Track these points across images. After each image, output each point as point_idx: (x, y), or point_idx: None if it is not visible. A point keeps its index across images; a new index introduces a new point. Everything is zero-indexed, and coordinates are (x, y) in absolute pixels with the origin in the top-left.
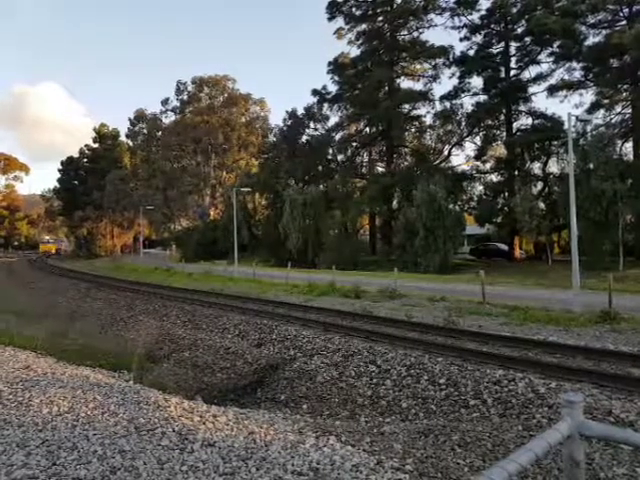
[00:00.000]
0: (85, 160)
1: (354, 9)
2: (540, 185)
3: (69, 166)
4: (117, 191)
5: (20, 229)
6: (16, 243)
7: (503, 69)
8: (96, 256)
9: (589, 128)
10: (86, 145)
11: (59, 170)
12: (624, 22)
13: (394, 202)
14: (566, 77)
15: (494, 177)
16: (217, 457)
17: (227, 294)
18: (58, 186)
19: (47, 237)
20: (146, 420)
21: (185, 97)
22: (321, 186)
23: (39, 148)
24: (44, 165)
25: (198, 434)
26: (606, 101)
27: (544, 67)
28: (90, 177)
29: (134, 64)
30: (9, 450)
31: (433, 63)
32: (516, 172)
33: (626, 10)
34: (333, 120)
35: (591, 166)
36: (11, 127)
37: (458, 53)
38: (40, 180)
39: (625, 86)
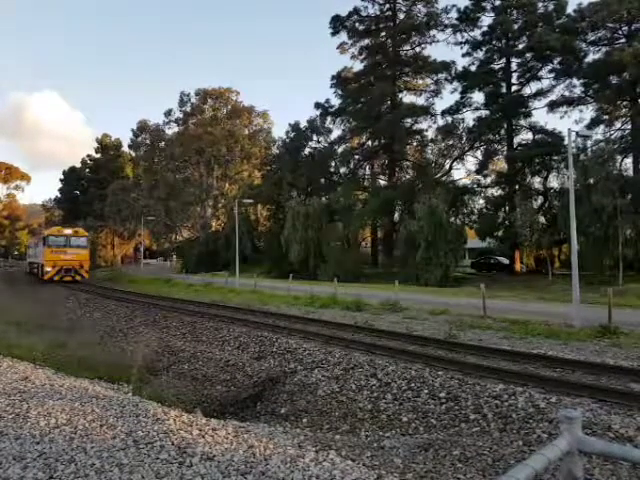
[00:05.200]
0: (87, 170)
1: (357, 24)
2: (540, 199)
3: (71, 176)
4: (118, 201)
5: (21, 239)
6: (16, 253)
7: (504, 84)
8: (96, 266)
9: (589, 144)
10: (88, 155)
11: (60, 180)
12: (623, 40)
13: (396, 215)
14: (566, 93)
15: (495, 191)
16: (216, 471)
17: (228, 306)
18: (59, 196)
19: (68, 230)
20: (145, 433)
21: (188, 109)
22: (323, 198)
23: (38, 157)
24: (44, 174)
25: (197, 448)
26: (606, 117)
27: (545, 83)
28: (92, 187)
29: (135, 74)
30: (5, 463)
31: (435, 78)
32: (517, 186)
33: (625, 28)
34: (336, 133)
35: (591, 181)
36: (10, 136)
37: (460, 68)
38: (40, 189)
39: (624, 102)
